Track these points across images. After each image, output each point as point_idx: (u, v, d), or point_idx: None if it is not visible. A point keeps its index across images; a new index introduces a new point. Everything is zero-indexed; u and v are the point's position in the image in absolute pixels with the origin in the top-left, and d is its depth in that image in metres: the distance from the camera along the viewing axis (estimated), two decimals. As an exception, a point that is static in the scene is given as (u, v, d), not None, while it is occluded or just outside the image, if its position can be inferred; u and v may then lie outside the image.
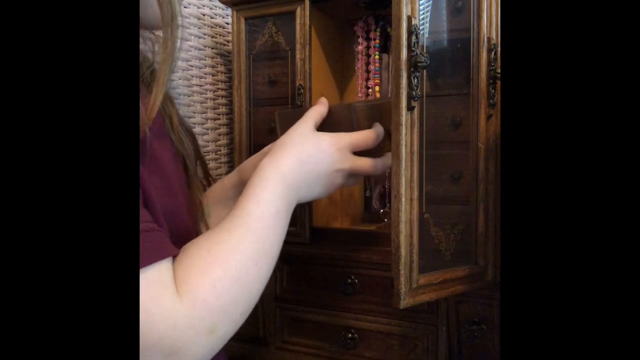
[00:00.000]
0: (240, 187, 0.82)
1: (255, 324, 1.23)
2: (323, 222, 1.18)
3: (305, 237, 1.12)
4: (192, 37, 1.20)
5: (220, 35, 1.31)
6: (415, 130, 0.66)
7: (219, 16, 1.30)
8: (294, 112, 0.83)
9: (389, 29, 1.16)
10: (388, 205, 1.21)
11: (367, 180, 1.25)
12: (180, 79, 1.16)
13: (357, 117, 0.77)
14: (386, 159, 0.77)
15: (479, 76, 0.80)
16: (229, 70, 1.32)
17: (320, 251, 1.11)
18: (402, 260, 0.66)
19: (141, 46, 0.61)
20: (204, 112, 1.25)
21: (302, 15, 1.12)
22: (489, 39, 0.80)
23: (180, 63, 1.16)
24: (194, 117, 1.21)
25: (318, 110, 0.78)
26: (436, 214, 0.77)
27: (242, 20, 1.17)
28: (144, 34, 0.63)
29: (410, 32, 0.64)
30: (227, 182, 0.86)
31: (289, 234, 0.66)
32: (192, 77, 1.21)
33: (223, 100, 1.31)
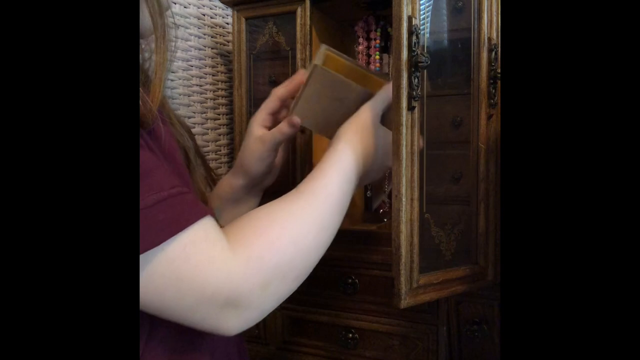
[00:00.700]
0: (252, 189, 0.84)
1: (256, 324, 1.22)
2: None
3: (305, 237, 1.12)
4: (192, 37, 1.20)
5: (220, 35, 1.31)
6: (416, 130, 0.66)
7: (219, 16, 1.30)
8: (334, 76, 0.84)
9: (389, 29, 1.16)
10: (388, 205, 1.21)
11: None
12: (180, 79, 1.16)
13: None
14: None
15: (479, 76, 0.80)
16: (229, 70, 1.32)
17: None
18: (403, 260, 0.66)
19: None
20: (204, 112, 1.25)
21: (303, 15, 1.12)
22: (489, 39, 0.80)
23: (180, 63, 1.16)
24: (194, 117, 1.21)
25: (386, 98, 0.77)
26: (437, 214, 0.77)
27: (243, 20, 1.17)
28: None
29: (410, 32, 0.64)
30: (235, 183, 0.86)
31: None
32: (192, 77, 1.21)
33: (223, 100, 1.31)
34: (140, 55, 0.63)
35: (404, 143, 0.65)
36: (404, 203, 0.65)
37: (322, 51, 0.89)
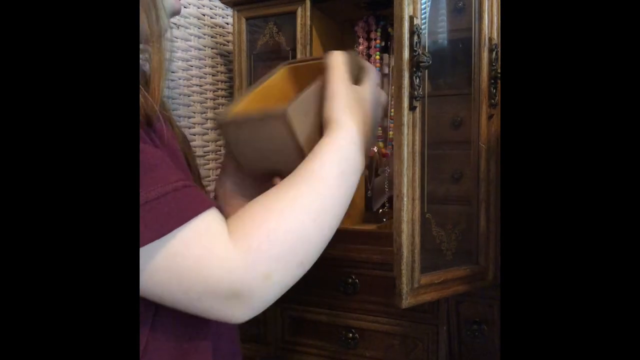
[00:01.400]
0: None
1: (256, 324, 1.23)
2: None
3: (306, 237, 1.12)
4: (192, 37, 1.20)
5: (220, 35, 1.31)
6: (417, 130, 0.66)
7: (219, 16, 1.30)
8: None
9: (389, 29, 1.16)
10: (387, 205, 1.21)
11: (369, 180, 1.26)
12: (180, 78, 1.16)
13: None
14: None
15: (480, 76, 0.80)
16: (229, 70, 1.32)
17: (321, 251, 1.11)
18: (404, 260, 0.66)
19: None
20: (204, 112, 1.25)
21: (303, 15, 1.12)
22: (490, 39, 0.80)
23: (180, 63, 1.16)
24: (194, 117, 1.21)
25: (339, 62, 0.71)
26: (438, 214, 0.77)
27: (243, 20, 1.17)
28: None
29: (412, 32, 0.64)
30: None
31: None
32: (192, 77, 1.21)
33: (223, 101, 1.31)
34: (142, 56, 0.63)
35: (406, 143, 0.65)
36: (405, 203, 0.65)
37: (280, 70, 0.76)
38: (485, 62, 0.80)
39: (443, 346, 1.05)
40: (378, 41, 1.17)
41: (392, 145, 1.15)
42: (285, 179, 0.60)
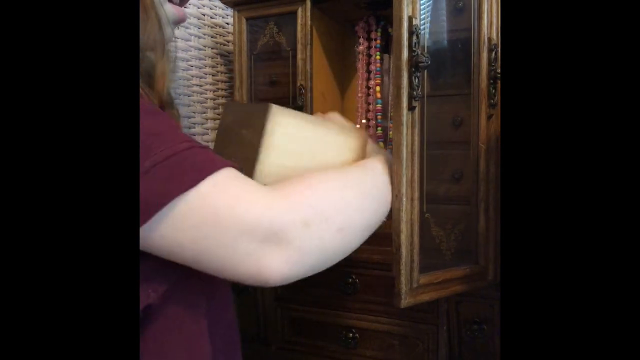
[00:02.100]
0: None
1: (256, 324, 1.23)
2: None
3: (306, 237, 1.12)
4: (192, 37, 1.20)
5: (220, 35, 1.31)
6: (416, 130, 0.66)
7: (219, 16, 1.30)
8: (245, 105, 0.78)
9: (390, 29, 1.16)
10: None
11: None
12: (180, 79, 1.16)
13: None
14: None
15: (479, 76, 0.80)
16: (229, 70, 1.32)
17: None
18: (403, 260, 0.66)
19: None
20: (204, 112, 1.25)
21: (303, 15, 1.12)
22: (489, 39, 0.80)
23: (180, 63, 1.16)
24: (194, 117, 1.21)
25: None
26: (437, 214, 0.77)
27: (244, 20, 1.17)
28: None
29: (411, 33, 0.64)
30: None
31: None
32: (192, 77, 1.21)
33: (223, 101, 1.31)
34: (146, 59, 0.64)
35: (404, 143, 0.65)
36: (404, 203, 0.65)
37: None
38: (484, 62, 0.80)
39: (443, 346, 1.05)
40: (378, 41, 1.17)
41: (392, 145, 1.16)
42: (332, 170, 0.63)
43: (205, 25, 1.25)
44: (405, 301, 0.67)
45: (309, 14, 1.11)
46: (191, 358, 0.57)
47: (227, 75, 1.32)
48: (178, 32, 1.14)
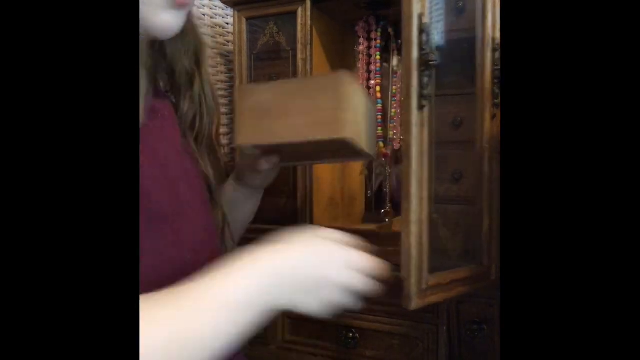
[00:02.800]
0: (253, 192, 0.89)
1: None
2: (324, 222, 1.18)
3: (306, 237, 1.12)
4: (193, 36, 1.20)
5: (220, 35, 1.30)
6: (425, 129, 0.66)
7: (219, 16, 1.30)
8: (257, 86, 0.81)
9: (390, 29, 1.16)
10: (389, 205, 1.21)
11: (369, 180, 1.26)
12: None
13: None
14: None
15: (483, 76, 0.80)
16: (229, 70, 1.32)
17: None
18: (413, 261, 0.65)
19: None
20: (204, 112, 1.24)
21: (303, 15, 1.12)
22: (493, 39, 0.80)
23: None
24: (194, 117, 1.21)
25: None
26: (443, 215, 0.77)
27: (244, 20, 1.17)
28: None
29: (421, 31, 0.64)
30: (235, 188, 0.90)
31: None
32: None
33: (223, 100, 1.30)
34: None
35: (414, 142, 0.64)
36: (413, 203, 0.65)
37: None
38: (488, 62, 0.80)
39: (443, 346, 1.05)
40: (378, 41, 1.17)
41: (392, 145, 1.16)
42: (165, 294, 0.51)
43: (205, 25, 1.24)
44: (414, 303, 0.67)
45: (309, 13, 1.11)
46: None
47: (227, 75, 1.32)
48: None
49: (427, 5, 0.66)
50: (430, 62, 0.64)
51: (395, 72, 1.16)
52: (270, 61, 1.17)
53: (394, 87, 1.17)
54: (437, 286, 0.70)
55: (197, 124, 0.73)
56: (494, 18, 0.81)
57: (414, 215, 0.65)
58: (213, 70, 1.27)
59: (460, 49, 0.84)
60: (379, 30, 1.17)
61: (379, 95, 1.17)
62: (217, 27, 1.29)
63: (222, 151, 1.30)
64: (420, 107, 0.64)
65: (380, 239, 1.09)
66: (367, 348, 1.12)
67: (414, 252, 0.65)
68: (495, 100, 0.81)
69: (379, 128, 1.16)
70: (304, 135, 0.69)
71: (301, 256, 0.57)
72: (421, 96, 0.64)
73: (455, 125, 0.85)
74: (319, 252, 0.58)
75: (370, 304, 1.10)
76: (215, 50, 1.28)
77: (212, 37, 1.27)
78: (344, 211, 1.28)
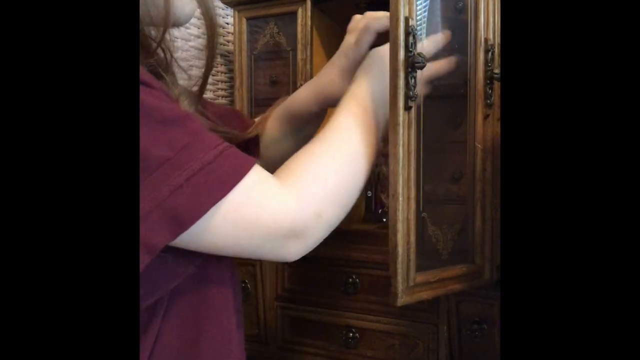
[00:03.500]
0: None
1: (256, 324, 1.23)
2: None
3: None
4: (192, 37, 1.21)
5: (220, 35, 1.31)
6: (413, 129, 0.66)
7: (219, 16, 1.31)
8: None
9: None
10: (386, 205, 1.22)
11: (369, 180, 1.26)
12: (180, 79, 1.16)
13: None
14: None
15: (475, 77, 0.80)
16: (230, 70, 1.33)
17: (320, 251, 1.11)
18: (400, 259, 0.66)
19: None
20: (205, 112, 1.25)
21: (304, 15, 1.12)
22: (486, 39, 0.80)
23: (180, 63, 1.16)
24: (195, 117, 1.22)
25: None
26: (434, 214, 0.78)
27: (244, 20, 1.18)
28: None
29: (407, 33, 0.64)
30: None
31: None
32: (192, 77, 1.21)
33: (223, 101, 1.31)
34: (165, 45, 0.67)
35: (401, 142, 0.65)
36: (400, 202, 0.65)
37: None
38: (480, 62, 0.80)
39: (443, 346, 1.05)
40: (378, 41, 1.17)
41: (389, 145, 1.16)
42: (318, 135, 0.68)
43: (205, 26, 1.25)
44: (402, 300, 0.67)
45: (309, 14, 1.12)
46: (221, 329, 0.66)
47: (227, 75, 1.33)
48: (178, 32, 1.15)
49: (415, 7, 0.67)
50: (417, 64, 0.64)
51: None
52: (271, 61, 1.18)
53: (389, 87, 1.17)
54: (425, 283, 0.70)
55: None
56: (486, 18, 0.81)
57: (400, 215, 0.65)
58: (213, 70, 1.28)
59: (458, 49, 0.84)
60: (379, 30, 1.17)
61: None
62: (217, 27, 1.30)
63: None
64: (407, 108, 0.65)
65: (380, 239, 1.10)
66: (367, 348, 1.13)
67: (400, 250, 0.65)
68: (488, 101, 0.80)
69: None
70: None
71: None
72: (408, 97, 0.64)
73: (454, 126, 0.85)
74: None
75: (370, 304, 1.11)
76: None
77: (213, 37, 1.28)
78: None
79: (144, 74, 0.51)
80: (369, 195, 1.28)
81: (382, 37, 0.80)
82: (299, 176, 0.61)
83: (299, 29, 1.13)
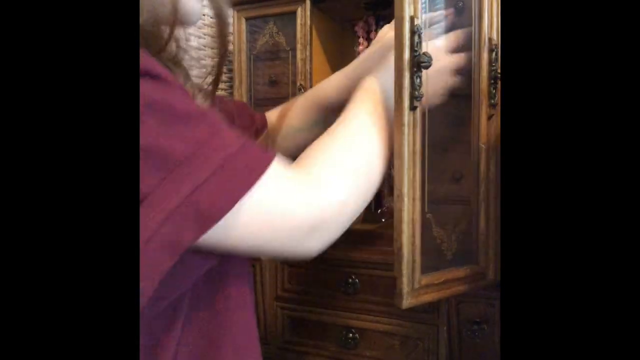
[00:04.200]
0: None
1: (256, 324, 1.23)
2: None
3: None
4: (192, 37, 1.20)
5: (220, 35, 1.31)
6: (418, 130, 0.66)
7: (219, 16, 1.30)
8: None
9: (389, 29, 1.16)
10: (385, 205, 1.21)
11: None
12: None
13: None
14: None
15: (479, 76, 0.80)
16: (229, 70, 1.32)
17: (320, 251, 1.11)
18: (405, 260, 0.65)
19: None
20: (204, 112, 1.25)
21: (303, 15, 1.12)
22: (489, 39, 0.80)
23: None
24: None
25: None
26: (438, 214, 0.77)
27: (243, 20, 1.18)
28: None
29: (412, 32, 0.64)
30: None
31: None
32: (192, 77, 1.20)
33: (223, 101, 1.31)
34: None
35: (406, 142, 0.65)
36: (405, 203, 0.65)
37: None
38: (485, 62, 0.80)
39: (443, 346, 1.05)
40: (378, 41, 1.17)
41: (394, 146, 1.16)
42: (332, 126, 0.67)
43: (205, 25, 1.25)
44: (407, 302, 0.67)
45: (308, 13, 1.12)
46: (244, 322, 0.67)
47: (227, 75, 1.32)
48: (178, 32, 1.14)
49: (420, 7, 0.66)
50: (422, 64, 0.64)
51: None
52: (270, 61, 1.18)
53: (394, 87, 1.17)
54: (430, 285, 0.70)
55: None
56: (490, 18, 0.81)
57: (406, 215, 0.65)
58: (212, 70, 1.28)
59: (462, 48, 0.84)
60: (379, 30, 1.17)
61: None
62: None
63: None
64: (412, 108, 0.64)
65: (380, 239, 1.10)
66: (367, 348, 1.12)
67: (405, 251, 0.65)
68: (492, 100, 0.80)
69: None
70: None
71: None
72: (413, 97, 0.64)
73: (457, 126, 0.85)
74: None
75: (370, 304, 1.11)
76: (215, 50, 1.28)
77: (212, 37, 1.27)
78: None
79: (161, 70, 0.51)
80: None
81: None
82: (321, 166, 0.61)
83: (299, 28, 1.13)
